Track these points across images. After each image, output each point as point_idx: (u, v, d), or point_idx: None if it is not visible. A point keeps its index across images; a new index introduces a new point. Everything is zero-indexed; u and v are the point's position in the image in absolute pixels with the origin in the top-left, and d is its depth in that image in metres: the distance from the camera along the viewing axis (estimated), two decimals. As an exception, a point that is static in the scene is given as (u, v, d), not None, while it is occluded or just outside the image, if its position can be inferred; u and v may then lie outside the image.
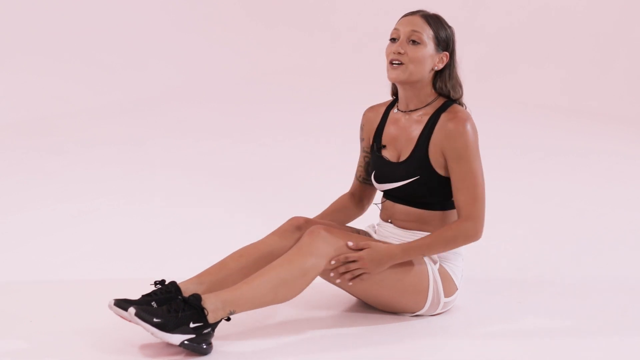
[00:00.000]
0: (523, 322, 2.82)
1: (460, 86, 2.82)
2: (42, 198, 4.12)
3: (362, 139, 2.97)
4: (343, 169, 4.34)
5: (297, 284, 2.60)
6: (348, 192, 3.02)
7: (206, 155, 4.99)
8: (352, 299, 2.93)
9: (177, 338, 2.47)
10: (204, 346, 2.51)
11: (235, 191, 4.29)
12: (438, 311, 2.81)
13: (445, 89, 2.79)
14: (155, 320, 2.46)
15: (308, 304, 2.88)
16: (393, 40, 2.80)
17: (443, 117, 2.74)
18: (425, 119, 2.78)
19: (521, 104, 6.26)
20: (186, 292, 2.64)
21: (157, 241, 3.57)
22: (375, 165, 2.88)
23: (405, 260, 2.71)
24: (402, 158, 2.80)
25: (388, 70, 2.78)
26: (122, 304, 2.55)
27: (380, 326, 2.77)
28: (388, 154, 2.84)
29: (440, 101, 2.80)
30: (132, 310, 2.46)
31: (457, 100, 2.80)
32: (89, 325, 2.72)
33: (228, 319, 2.57)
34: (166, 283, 2.66)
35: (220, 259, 2.76)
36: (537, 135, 5.47)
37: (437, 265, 2.77)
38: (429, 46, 2.75)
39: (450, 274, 2.80)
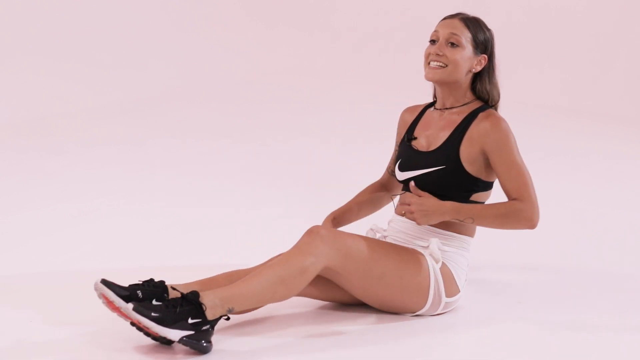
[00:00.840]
0: (523, 322, 2.82)
1: (498, 92, 2.88)
2: (42, 198, 4.12)
3: (398, 135, 3.04)
4: (343, 169, 4.34)
5: (295, 283, 2.60)
6: (377, 182, 3.08)
7: (206, 155, 4.99)
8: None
9: (176, 333, 2.46)
10: (204, 344, 2.50)
11: (235, 191, 4.29)
12: (439, 311, 2.81)
13: (484, 92, 2.86)
14: (153, 314, 2.44)
15: (307, 303, 2.88)
16: (432, 42, 2.86)
17: (480, 116, 2.80)
18: (462, 117, 2.83)
19: (521, 104, 6.25)
20: (171, 294, 2.63)
21: (157, 241, 3.57)
22: (402, 154, 2.92)
23: (453, 219, 2.72)
24: (432, 148, 2.84)
25: (425, 70, 2.84)
26: (111, 285, 2.54)
27: (379, 325, 2.76)
28: (418, 144, 2.89)
29: (477, 104, 2.86)
30: (130, 305, 2.44)
31: (494, 107, 2.86)
32: (89, 325, 2.72)
33: (227, 318, 2.57)
34: (155, 280, 2.66)
35: (218, 260, 2.77)
36: (537, 135, 5.47)
37: (440, 264, 2.77)
38: (467, 49, 2.82)
39: (454, 274, 2.80)
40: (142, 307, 2.45)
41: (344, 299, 2.85)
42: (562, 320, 2.84)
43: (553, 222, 3.86)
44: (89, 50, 6.58)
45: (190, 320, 2.47)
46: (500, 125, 2.76)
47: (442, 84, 2.84)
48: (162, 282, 2.66)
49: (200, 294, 2.52)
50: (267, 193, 4.27)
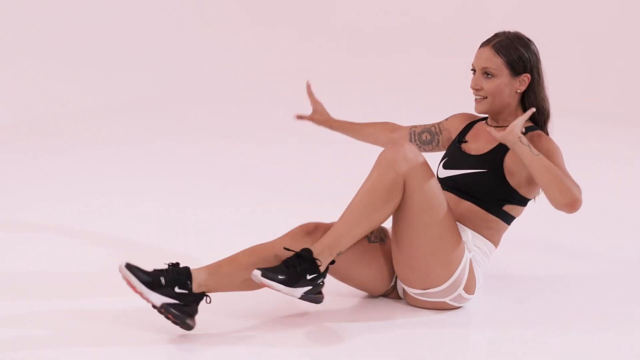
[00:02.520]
0: (523, 322, 2.83)
1: (545, 107, 2.94)
2: (42, 198, 4.12)
3: (446, 119, 3.13)
4: (343, 170, 4.34)
5: (386, 204, 2.68)
6: (392, 125, 3.22)
7: (206, 155, 4.99)
8: (353, 295, 2.94)
9: (299, 291, 2.59)
10: (319, 296, 2.64)
11: (235, 191, 4.29)
12: (447, 299, 2.82)
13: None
14: (280, 277, 2.56)
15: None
16: (473, 71, 2.94)
17: (529, 134, 2.85)
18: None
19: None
20: (195, 279, 2.66)
21: (157, 241, 3.57)
22: (449, 153, 2.99)
23: (526, 152, 2.67)
24: (479, 153, 2.91)
25: (475, 102, 2.95)
26: (135, 269, 2.58)
27: (378, 325, 2.77)
28: (467, 147, 2.96)
29: (527, 124, 2.91)
30: (257, 272, 2.56)
31: (545, 122, 2.95)
32: (89, 325, 2.72)
33: (332, 262, 2.67)
34: (180, 266, 2.69)
35: (226, 254, 2.77)
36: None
37: (471, 254, 2.81)
38: (503, 75, 2.87)
39: (476, 275, 2.83)
40: (269, 271, 2.57)
41: (354, 281, 2.89)
42: (562, 320, 2.85)
43: (553, 223, 3.86)
44: (89, 50, 6.57)
45: (308, 277, 2.60)
46: (549, 138, 2.85)
47: (491, 113, 2.93)
48: (186, 269, 2.67)
49: (311, 249, 2.63)
50: (267, 193, 4.27)
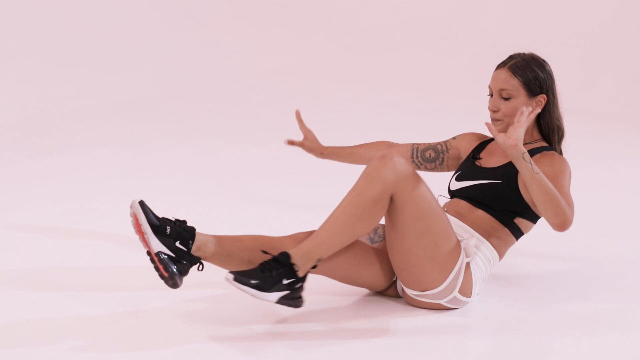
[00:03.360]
0: (522, 323, 2.82)
1: (560, 126, 2.94)
2: (39, 198, 4.11)
3: (454, 138, 3.15)
4: (341, 170, 4.33)
5: (371, 215, 2.65)
6: (388, 143, 3.22)
7: (204, 155, 5.00)
8: (350, 294, 2.94)
9: (274, 296, 2.56)
10: (298, 300, 2.61)
11: (233, 191, 4.29)
12: (443, 301, 2.82)
13: (547, 128, 2.94)
14: (252, 282, 2.54)
15: (314, 294, 2.90)
16: (490, 95, 2.95)
17: (544, 152, 2.88)
18: (526, 149, 2.88)
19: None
20: (197, 242, 2.70)
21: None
22: (463, 167, 3.02)
23: (527, 169, 2.65)
24: (494, 166, 2.94)
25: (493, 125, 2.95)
26: (147, 209, 2.66)
27: (376, 325, 2.77)
28: (481, 163, 2.99)
29: (541, 143, 2.94)
30: (230, 275, 2.54)
31: (559, 143, 2.96)
32: (86, 326, 2.72)
33: (314, 267, 2.65)
34: (187, 224, 2.73)
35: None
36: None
37: (469, 259, 2.80)
38: (520, 96, 2.89)
39: (473, 279, 2.83)
40: (242, 275, 2.55)
41: (355, 281, 2.88)
42: (561, 320, 2.85)
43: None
44: (86, 50, 6.58)
45: (284, 281, 2.57)
46: (560, 158, 2.85)
47: None
48: (192, 229, 2.72)
49: (290, 253, 2.60)
50: (265, 193, 4.27)
